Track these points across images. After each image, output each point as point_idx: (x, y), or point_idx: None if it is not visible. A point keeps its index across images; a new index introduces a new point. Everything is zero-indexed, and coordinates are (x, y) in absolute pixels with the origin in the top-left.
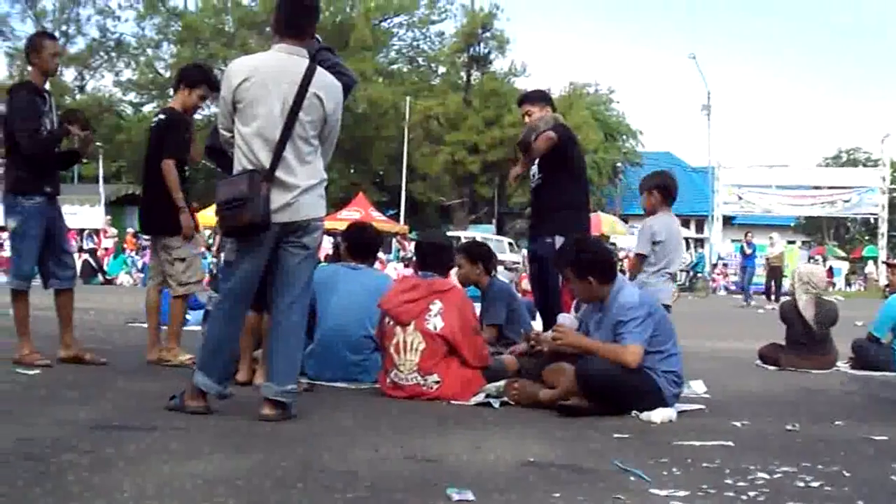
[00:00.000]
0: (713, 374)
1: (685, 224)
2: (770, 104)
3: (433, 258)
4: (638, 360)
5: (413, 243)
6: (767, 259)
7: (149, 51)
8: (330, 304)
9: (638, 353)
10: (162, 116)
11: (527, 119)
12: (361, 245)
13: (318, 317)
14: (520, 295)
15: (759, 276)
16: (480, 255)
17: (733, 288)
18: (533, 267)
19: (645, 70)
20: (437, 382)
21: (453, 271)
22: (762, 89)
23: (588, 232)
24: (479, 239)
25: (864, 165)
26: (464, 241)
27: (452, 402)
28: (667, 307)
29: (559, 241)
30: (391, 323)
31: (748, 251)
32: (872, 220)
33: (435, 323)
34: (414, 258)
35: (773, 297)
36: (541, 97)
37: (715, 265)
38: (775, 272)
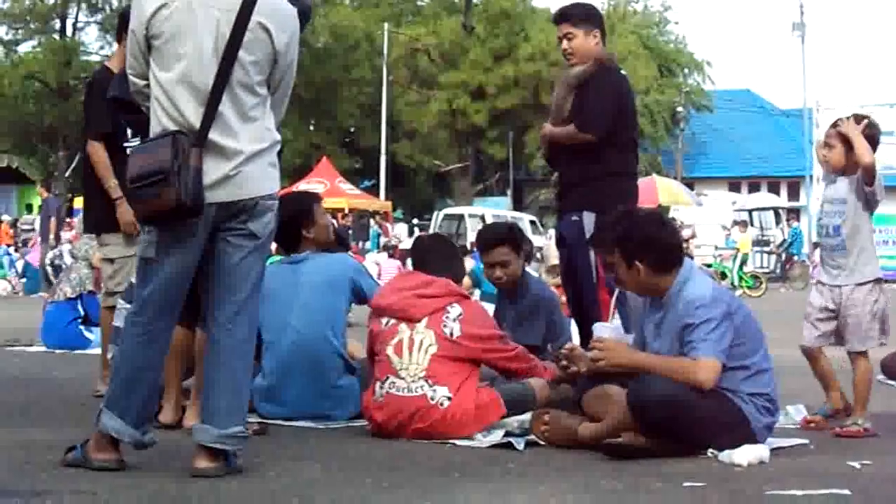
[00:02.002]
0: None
1: (774, 188)
2: (889, 19)
3: (439, 259)
4: (713, 379)
5: (398, 226)
6: None
7: None
8: (282, 316)
9: (713, 369)
10: (88, 80)
11: (565, 44)
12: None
13: (264, 334)
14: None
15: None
16: (522, 242)
17: None
18: (561, 255)
19: None
20: (448, 398)
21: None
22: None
23: (632, 205)
24: (492, 217)
25: None
26: (468, 219)
27: (458, 442)
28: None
29: (588, 218)
30: (390, 322)
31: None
32: None
33: (452, 328)
34: (409, 256)
35: None
36: (586, 15)
37: (816, 244)
38: None
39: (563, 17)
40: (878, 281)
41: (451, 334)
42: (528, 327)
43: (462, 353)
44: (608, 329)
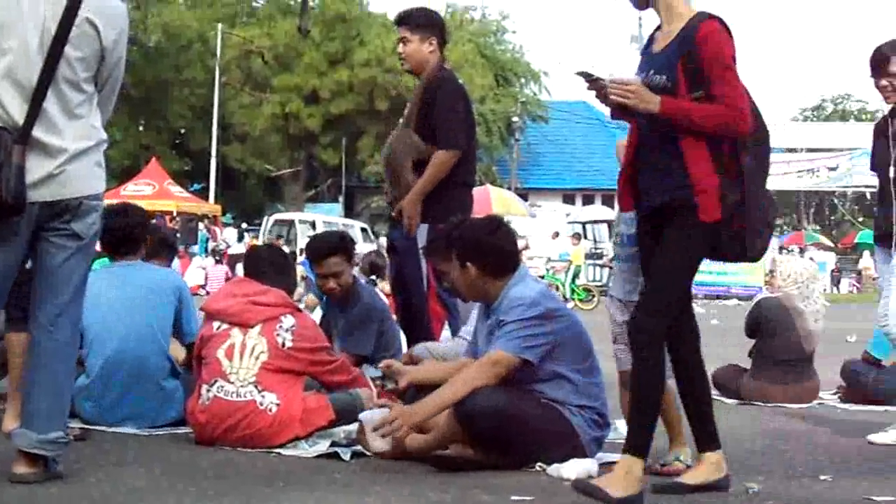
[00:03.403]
0: None
1: (608, 202)
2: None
3: (275, 271)
4: (502, 370)
5: (227, 230)
6: None
7: None
8: (110, 316)
9: (503, 361)
10: None
11: (400, 48)
12: (121, 234)
13: (85, 339)
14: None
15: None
16: (352, 248)
17: None
18: (393, 262)
19: None
20: (276, 405)
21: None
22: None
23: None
24: (322, 223)
25: (858, 119)
26: (299, 225)
27: (283, 452)
28: None
29: (421, 229)
30: (222, 327)
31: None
32: (869, 196)
33: (284, 338)
34: (240, 262)
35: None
36: (425, 21)
37: None
38: None
39: (400, 20)
40: None
41: (283, 344)
42: (358, 336)
43: (291, 365)
44: (374, 414)
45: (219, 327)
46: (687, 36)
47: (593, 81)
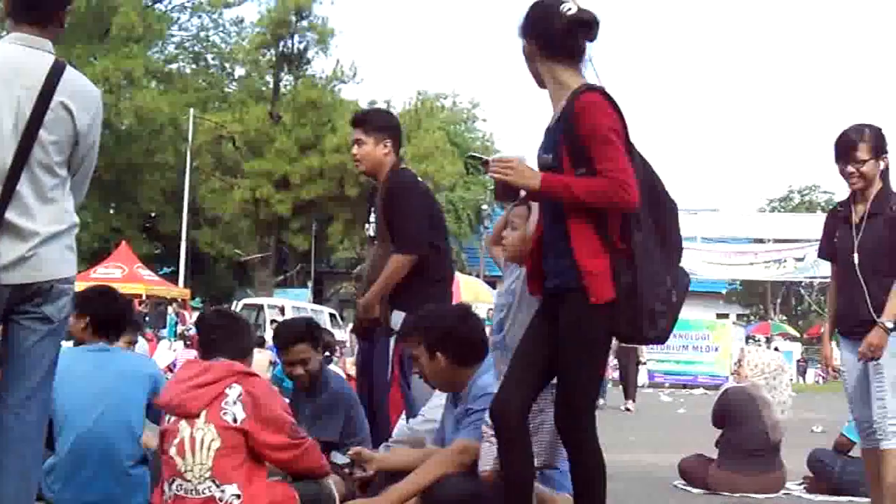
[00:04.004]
0: (616, 499)
1: None
2: (692, 127)
3: (225, 336)
4: (467, 459)
5: (196, 314)
6: None
7: None
8: (77, 401)
9: (469, 450)
10: None
11: (354, 149)
12: (111, 318)
13: (56, 419)
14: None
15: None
16: (319, 335)
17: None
18: (361, 348)
19: (520, 77)
20: (237, 497)
21: (260, 357)
22: (680, 107)
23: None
24: (291, 308)
25: (825, 210)
26: (268, 310)
27: None
28: None
29: (395, 318)
30: (171, 419)
31: None
32: None
33: (234, 413)
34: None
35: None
36: (381, 125)
37: None
38: (625, 355)
39: (356, 122)
40: None
41: (235, 420)
42: (326, 421)
43: (248, 440)
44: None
45: (169, 419)
46: (567, 111)
47: (485, 164)
